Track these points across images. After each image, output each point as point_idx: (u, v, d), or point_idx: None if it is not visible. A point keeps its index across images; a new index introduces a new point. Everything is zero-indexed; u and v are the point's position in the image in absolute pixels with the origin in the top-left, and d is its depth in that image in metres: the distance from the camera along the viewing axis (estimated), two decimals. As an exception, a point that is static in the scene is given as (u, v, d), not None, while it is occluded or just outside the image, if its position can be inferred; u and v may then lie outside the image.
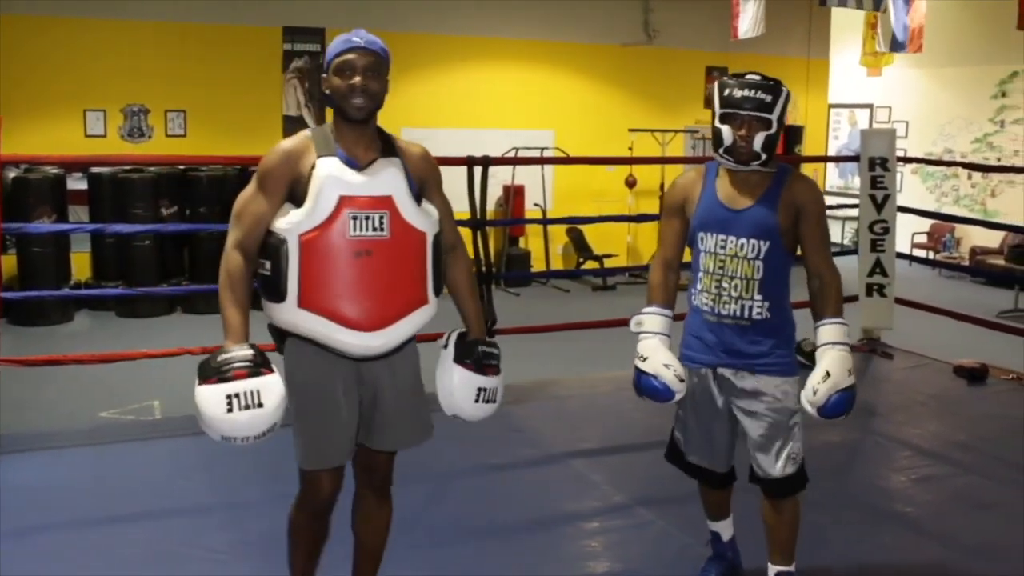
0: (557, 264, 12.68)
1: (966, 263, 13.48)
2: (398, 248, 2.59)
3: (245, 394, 2.40)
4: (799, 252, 3.00)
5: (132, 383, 6.85)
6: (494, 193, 11.85)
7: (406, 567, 3.37)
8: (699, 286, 3.01)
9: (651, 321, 3.05)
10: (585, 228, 12.20)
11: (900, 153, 6.66)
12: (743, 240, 2.91)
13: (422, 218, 2.65)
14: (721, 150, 2.92)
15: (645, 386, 2.98)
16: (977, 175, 13.91)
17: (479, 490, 4.07)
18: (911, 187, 14.17)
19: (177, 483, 4.11)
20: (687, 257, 3.13)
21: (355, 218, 2.53)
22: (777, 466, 2.95)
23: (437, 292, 2.71)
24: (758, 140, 2.85)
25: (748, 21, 9.77)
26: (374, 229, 2.55)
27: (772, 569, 3.04)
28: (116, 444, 4.68)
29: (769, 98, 2.86)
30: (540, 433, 4.84)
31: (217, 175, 10.26)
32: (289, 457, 3.95)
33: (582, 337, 6.67)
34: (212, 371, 2.42)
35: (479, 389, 2.78)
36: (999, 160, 13.59)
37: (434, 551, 3.49)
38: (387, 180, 2.60)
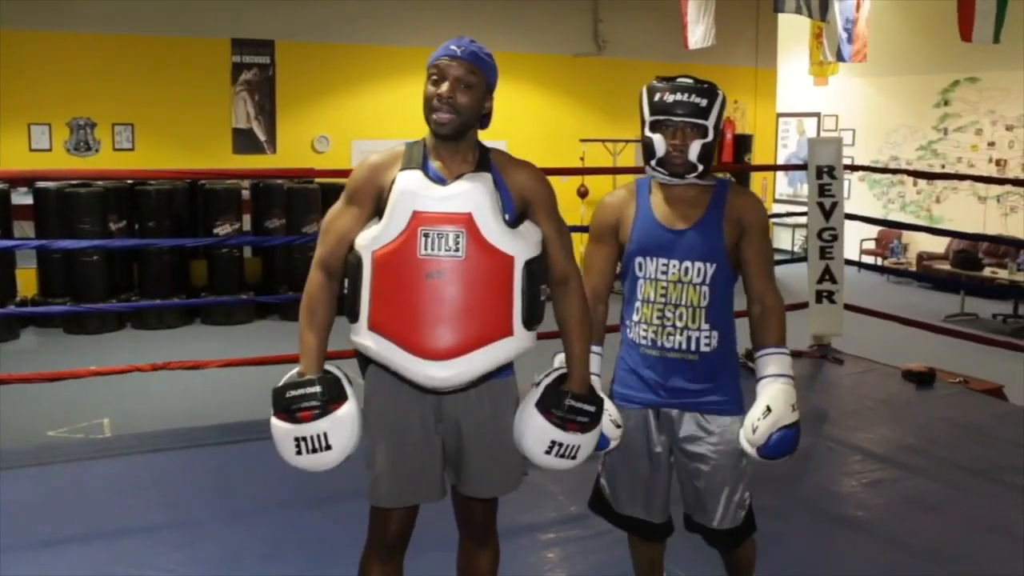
0: (511, 274, 12.68)
1: (913, 268, 13.69)
2: (475, 271, 2.34)
3: (312, 438, 2.35)
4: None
5: (81, 401, 6.74)
6: (447, 204, 11.85)
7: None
8: (636, 317, 2.70)
9: None
10: (538, 238, 12.21)
11: (847, 161, 6.74)
12: (687, 263, 2.62)
13: (511, 240, 2.38)
14: (653, 162, 2.65)
15: None
16: (923, 182, 14.15)
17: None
18: (859, 194, 14.39)
19: (128, 502, 4.04)
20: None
21: (427, 235, 2.33)
22: (727, 515, 2.70)
23: (530, 324, 2.45)
24: (694, 149, 2.58)
25: (699, 31, 9.87)
26: (447, 249, 2.33)
27: None
28: (65, 463, 4.59)
29: (704, 102, 2.60)
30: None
31: (166, 189, 10.16)
32: (241, 474, 3.91)
33: (536, 347, 6.67)
34: (282, 405, 2.37)
35: (553, 442, 2.48)
36: (943, 167, 13.84)
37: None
38: (469, 196, 2.36)
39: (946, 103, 13.96)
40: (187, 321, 10.25)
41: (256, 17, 11.02)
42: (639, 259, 2.69)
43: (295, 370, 2.44)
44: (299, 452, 2.37)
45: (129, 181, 10.15)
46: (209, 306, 10.32)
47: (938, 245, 13.49)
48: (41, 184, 9.78)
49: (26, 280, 10.01)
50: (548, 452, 2.49)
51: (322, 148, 11.44)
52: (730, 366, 2.72)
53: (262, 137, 11.34)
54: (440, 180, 2.39)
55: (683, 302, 2.63)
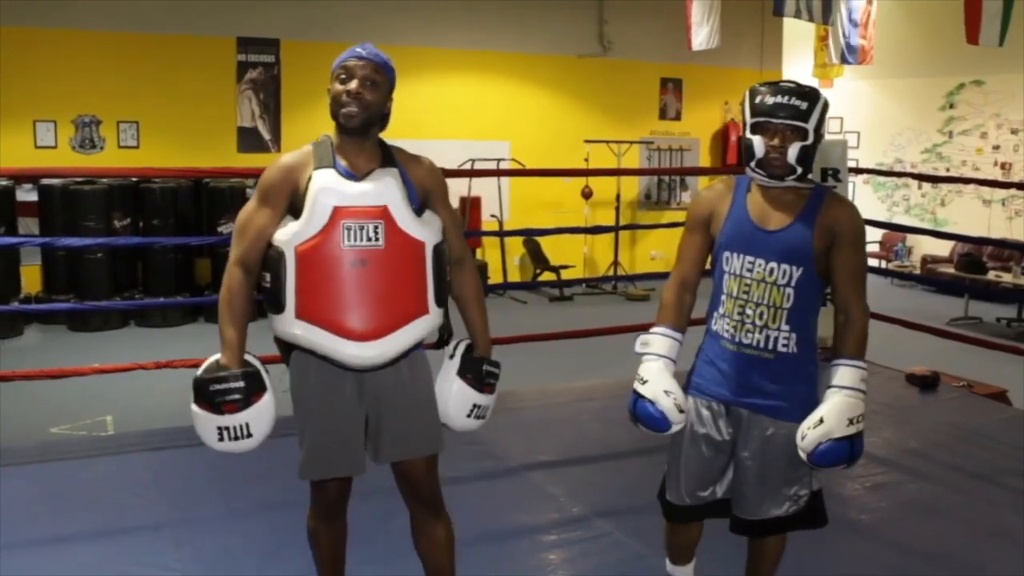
0: (514, 276, 12.70)
1: (917, 272, 13.66)
2: (394, 257, 2.58)
3: (235, 428, 2.55)
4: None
5: (84, 398, 6.75)
6: (451, 204, 11.85)
7: (363, 582, 3.36)
8: (720, 310, 2.76)
9: (658, 343, 2.79)
10: (542, 239, 12.24)
11: (852, 164, 6.74)
12: (773, 264, 2.66)
13: (420, 227, 2.63)
14: (752, 163, 2.67)
15: (640, 412, 2.72)
16: (927, 185, 14.13)
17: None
18: (863, 197, 14.36)
19: (130, 499, 4.05)
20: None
21: (349, 228, 2.53)
22: (775, 507, 2.80)
23: (440, 302, 2.70)
24: (793, 151, 2.60)
25: (704, 33, 9.88)
26: (368, 239, 2.54)
27: None
28: (67, 460, 4.60)
29: (805, 105, 2.62)
30: (497, 445, 4.82)
31: (171, 187, 10.17)
32: (243, 472, 3.92)
33: (539, 348, 6.67)
34: (205, 397, 2.55)
35: (474, 405, 2.81)
36: (948, 170, 13.82)
37: (390, 564, 3.47)
38: (383, 190, 2.59)
39: (951, 106, 13.94)
40: (191, 319, 10.25)
41: (261, 16, 11.03)
42: (727, 253, 2.74)
43: (214, 358, 2.61)
44: (221, 439, 2.57)
45: (134, 179, 10.15)
46: (213, 304, 10.29)
47: (942, 248, 13.47)
48: (46, 181, 9.79)
49: (30, 277, 10.03)
50: (469, 415, 2.82)
51: (326, 147, 11.44)
52: (807, 372, 2.74)
53: (267, 136, 11.35)
54: (351, 176, 2.60)
55: (765, 301, 2.67)
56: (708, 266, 2.90)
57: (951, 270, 12.31)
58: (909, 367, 6.16)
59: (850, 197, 6.54)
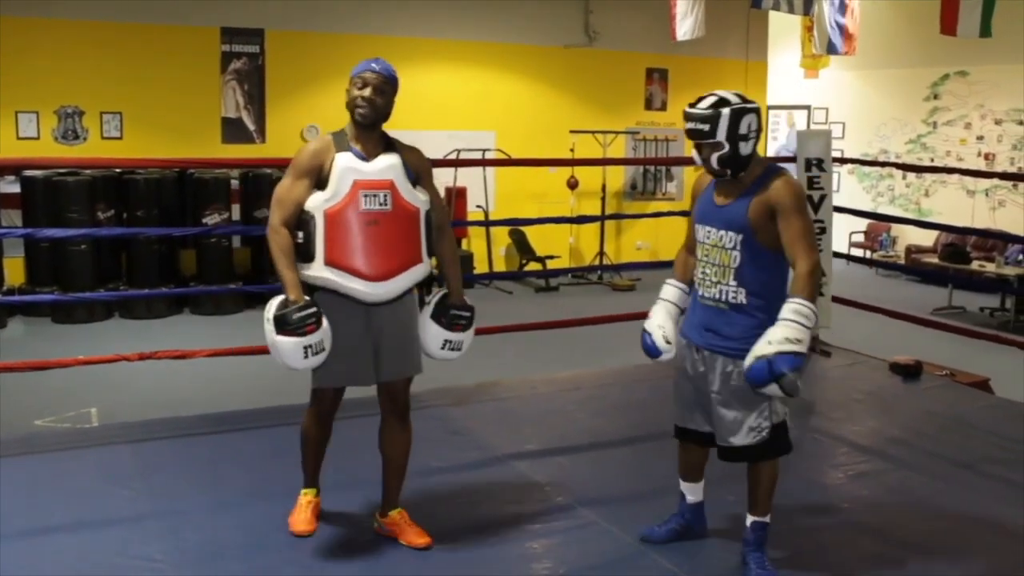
0: (500, 266, 12.69)
1: (902, 262, 13.71)
2: (398, 219, 3.36)
3: (315, 344, 3.22)
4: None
5: (68, 390, 6.72)
6: (436, 195, 11.81)
7: (348, 568, 3.35)
8: (695, 270, 3.42)
9: (665, 290, 3.57)
10: (527, 230, 12.23)
11: (836, 154, 6.75)
12: (721, 232, 3.28)
13: (415, 198, 3.42)
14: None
15: (642, 342, 3.49)
16: (912, 175, 14.17)
17: (420, 492, 4.05)
18: (848, 187, 14.41)
19: (114, 491, 4.03)
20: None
21: (366, 195, 3.30)
22: (739, 437, 3.28)
23: (429, 255, 3.48)
24: (713, 160, 3.22)
25: (688, 23, 9.87)
26: (380, 204, 3.32)
27: (748, 519, 3.42)
28: (51, 453, 4.58)
29: (707, 127, 3.18)
30: (482, 435, 4.83)
31: (155, 178, 10.13)
32: (228, 464, 3.95)
33: (525, 338, 6.69)
34: (290, 326, 3.18)
35: (445, 340, 3.55)
36: (932, 160, 13.87)
37: (376, 554, 3.48)
38: (389, 169, 3.37)
39: (935, 96, 13.99)
40: (175, 310, 10.23)
41: (246, 6, 10.98)
42: (696, 225, 3.41)
43: (280, 298, 3.24)
44: (306, 357, 3.21)
45: (117, 170, 10.11)
46: (198, 295, 10.30)
47: (926, 238, 13.53)
48: (28, 172, 9.73)
49: (13, 269, 9.98)
50: (443, 348, 3.57)
51: (311, 138, 11.40)
52: (757, 320, 3.21)
53: (251, 126, 11.31)
54: (363, 158, 3.36)
55: (717, 262, 3.29)
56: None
57: (935, 260, 12.37)
58: (893, 356, 6.19)
59: (835, 187, 6.57)
